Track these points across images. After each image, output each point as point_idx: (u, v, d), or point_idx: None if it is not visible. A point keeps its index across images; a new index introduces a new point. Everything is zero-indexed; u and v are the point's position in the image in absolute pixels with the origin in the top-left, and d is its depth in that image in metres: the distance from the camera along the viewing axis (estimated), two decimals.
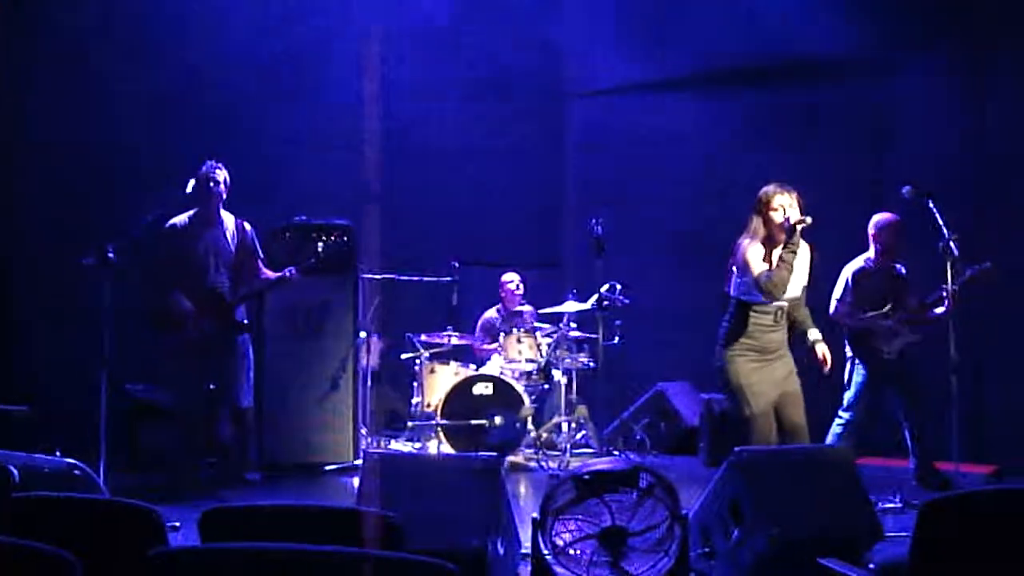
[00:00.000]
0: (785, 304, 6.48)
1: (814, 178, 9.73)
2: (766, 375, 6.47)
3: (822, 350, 6.60)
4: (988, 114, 9.33)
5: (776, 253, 6.40)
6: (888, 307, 7.92)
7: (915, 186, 7.24)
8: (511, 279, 10.29)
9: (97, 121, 9.27)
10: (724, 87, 10.67)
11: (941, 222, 6.99)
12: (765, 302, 6.42)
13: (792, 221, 6.35)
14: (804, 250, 6.50)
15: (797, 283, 6.47)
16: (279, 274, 8.11)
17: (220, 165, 8.23)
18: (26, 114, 9.15)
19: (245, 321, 8.31)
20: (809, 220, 6.34)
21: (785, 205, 6.42)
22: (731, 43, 10.42)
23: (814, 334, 6.63)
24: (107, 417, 6.97)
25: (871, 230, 8.06)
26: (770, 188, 6.51)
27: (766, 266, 6.38)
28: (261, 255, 8.39)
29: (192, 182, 7.79)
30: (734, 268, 6.59)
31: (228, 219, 8.30)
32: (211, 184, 8.12)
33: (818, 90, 10.11)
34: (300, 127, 10.25)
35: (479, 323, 10.43)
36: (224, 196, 8.25)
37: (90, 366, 7.12)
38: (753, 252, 6.43)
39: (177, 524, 5.82)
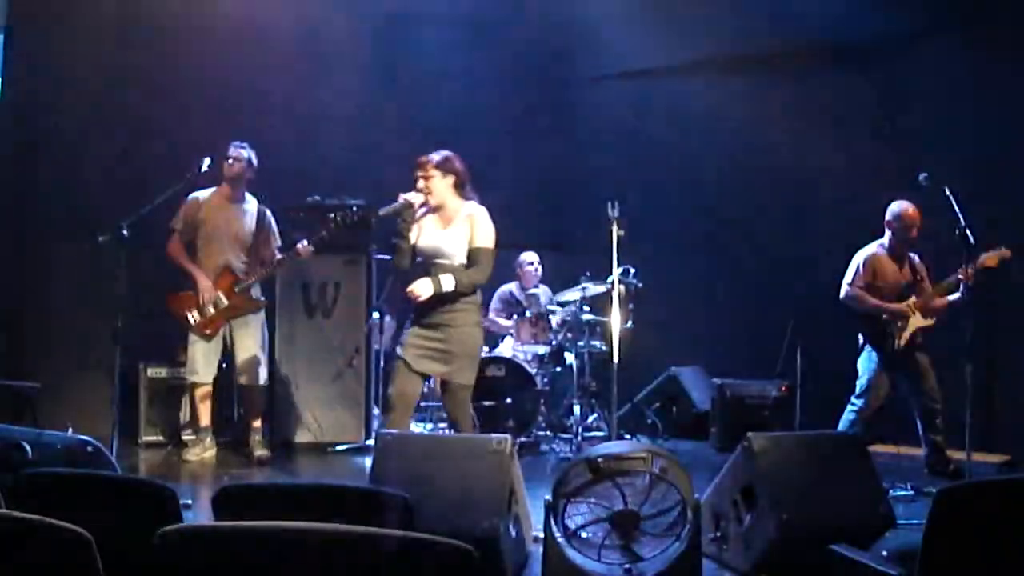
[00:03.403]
0: (434, 262, 6.45)
1: (828, 162, 9.72)
2: (412, 337, 6.43)
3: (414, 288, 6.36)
4: (1009, 100, 9.25)
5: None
6: (908, 300, 7.90)
7: (932, 173, 7.21)
8: (531, 259, 10.27)
9: (116, 103, 9.26)
10: (738, 71, 10.61)
11: (958, 209, 6.95)
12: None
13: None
14: (462, 219, 6.49)
15: (440, 245, 6.44)
16: (291, 251, 8.14)
17: (244, 145, 8.26)
18: (46, 95, 9.14)
19: (261, 299, 8.37)
20: (402, 202, 6.44)
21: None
22: (748, 27, 10.34)
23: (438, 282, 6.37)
24: (120, 394, 6.97)
25: (888, 217, 8.02)
26: None
27: None
28: (279, 242, 8.45)
29: (207, 160, 7.80)
30: None
31: (251, 201, 8.37)
32: (229, 162, 8.18)
33: (834, 74, 10.03)
34: (317, 109, 10.21)
35: (496, 294, 10.34)
36: (248, 176, 8.30)
37: (103, 343, 7.14)
38: None
39: (189, 502, 5.83)
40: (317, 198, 9.11)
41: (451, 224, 6.50)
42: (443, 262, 6.41)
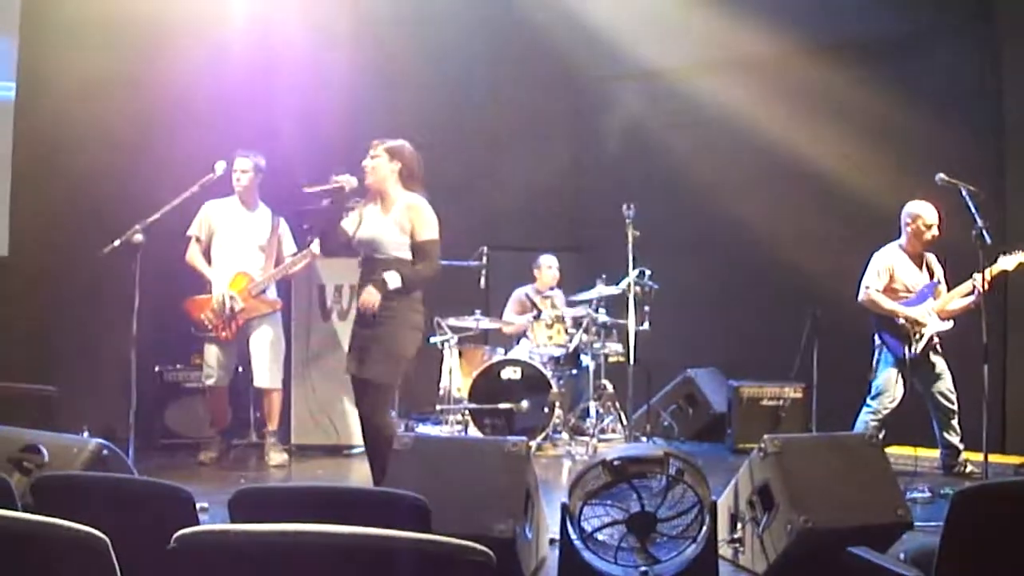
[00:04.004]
0: (374, 257, 6.27)
1: (843, 163, 9.69)
2: (354, 340, 6.40)
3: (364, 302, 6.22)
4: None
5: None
6: (926, 304, 7.87)
7: (949, 172, 7.19)
8: (549, 262, 10.24)
9: (130, 106, 9.26)
10: (752, 72, 10.57)
11: (975, 210, 6.92)
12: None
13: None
14: (401, 209, 6.28)
15: (377, 236, 6.26)
16: (303, 251, 8.18)
17: (248, 153, 8.28)
18: (62, 99, 9.15)
19: (276, 300, 8.39)
20: (333, 183, 6.23)
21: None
22: (759, 27, 10.29)
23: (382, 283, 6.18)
24: (136, 397, 6.98)
25: (905, 218, 7.98)
26: None
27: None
28: (293, 248, 8.48)
29: (222, 164, 7.84)
30: None
31: (264, 209, 8.41)
32: (236, 177, 8.21)
33: (845, 74, 9.97)
34: (324, 110, 10.19)
35: (511, 295, 10.33)
36: (258, 182, 8.33)
37: (120, 346, 7.14)
38: None
39: (205, 505, 5.83)
40: (328, 202, 9.11)
41: (389, 213, 6.31)
42: (381, 257, 6.24)
